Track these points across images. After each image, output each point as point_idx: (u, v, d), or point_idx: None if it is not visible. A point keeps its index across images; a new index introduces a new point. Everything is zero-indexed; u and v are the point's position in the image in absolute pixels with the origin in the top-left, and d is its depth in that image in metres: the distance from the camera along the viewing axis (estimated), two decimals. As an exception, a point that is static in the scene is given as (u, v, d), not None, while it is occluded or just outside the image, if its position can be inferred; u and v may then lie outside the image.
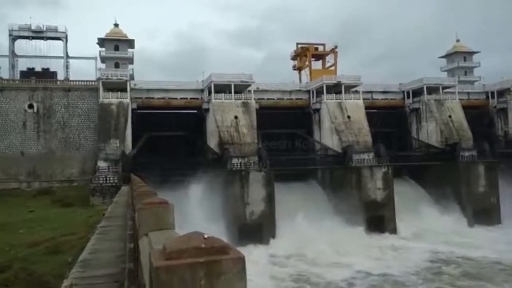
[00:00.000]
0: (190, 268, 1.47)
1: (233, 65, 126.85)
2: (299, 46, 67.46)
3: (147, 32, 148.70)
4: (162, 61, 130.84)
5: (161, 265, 1.47)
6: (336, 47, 65.40)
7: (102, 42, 57.87)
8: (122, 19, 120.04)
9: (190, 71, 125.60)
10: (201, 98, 48.22)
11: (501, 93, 57.67)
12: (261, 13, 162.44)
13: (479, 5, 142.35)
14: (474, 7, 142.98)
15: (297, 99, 52.26)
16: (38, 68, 55.61)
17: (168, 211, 3.61)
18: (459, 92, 54.61)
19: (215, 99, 45.22)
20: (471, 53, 72.82)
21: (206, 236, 1.61)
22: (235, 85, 45.68)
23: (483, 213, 43.78)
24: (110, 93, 44.54)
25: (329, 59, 66.40)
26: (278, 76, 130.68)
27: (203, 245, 1.53)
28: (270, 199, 38.41)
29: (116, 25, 59.98)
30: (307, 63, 65.88)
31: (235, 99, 45.50)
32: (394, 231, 40.59)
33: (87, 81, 48.81)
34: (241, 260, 1.54)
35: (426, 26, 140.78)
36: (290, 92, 52.36)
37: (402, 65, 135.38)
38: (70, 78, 52.12)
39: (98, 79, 46.17)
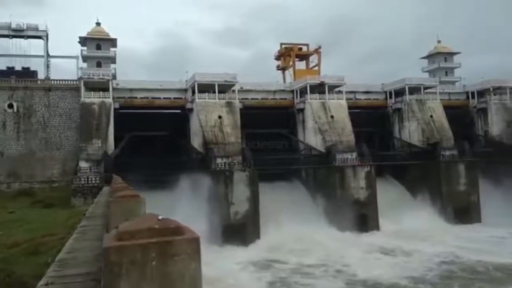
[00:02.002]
0: (142, 249, 1.41)
1: (221, 64, 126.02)
2: (283, 46, 67.66)
3: (132, 31, 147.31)
4: (147, 61, 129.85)
5: (111, 245, 1.41)
6: (319, 47, 65.76)
7: (84, 41, 57.04)
8: (108, 18, 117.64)
9: (175, 70, 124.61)
10: (185, 97, 47.99)
11: (481, 93, 58.66)
12: (248, 12, 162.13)
13: (474, 5, 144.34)
14: (471, 8, 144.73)
15: (281, 99, 52.34)
16: (18, 67, 54.66)
17: (139, 204, 3.53)
18: (440, 93, 55.37)
19: (199, 98, 45.03)
20: (452, 53, 73.76)
21: (160, 217, 1.57)
22: (219, 85, 45.54)
23: (464, 212, 44.54)
24: (92, 92, 43.95)
25: (313, 59, 66.72)
26: (265, 76, 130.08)
27: (156, 226, 1.48)
28: (254, 199, 38.36)
29: (98, 23, 59.22)
30: (291, 63, 66.09)
31: (219, 99, 45.36)
32: (377, 229, 40.98)
33: (68, 80, 48.09)
34: (196, 241, 1.50)
35: (423, 26, 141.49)
36: (274, 92, 52.40)
37: (396, 65, 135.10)
38: (51, 77, 51.21)
39: (80, 79, 45.53)
